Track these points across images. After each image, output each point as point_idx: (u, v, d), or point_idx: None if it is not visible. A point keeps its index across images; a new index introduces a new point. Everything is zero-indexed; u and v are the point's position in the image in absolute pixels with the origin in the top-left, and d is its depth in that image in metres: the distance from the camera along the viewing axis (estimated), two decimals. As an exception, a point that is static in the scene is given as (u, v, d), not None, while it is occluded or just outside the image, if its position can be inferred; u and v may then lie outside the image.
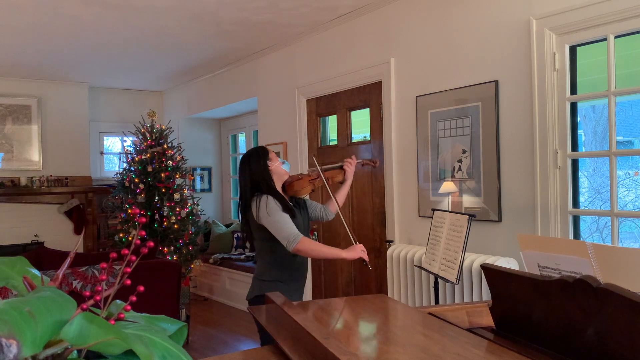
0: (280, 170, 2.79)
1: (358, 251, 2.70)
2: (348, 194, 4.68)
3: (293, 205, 2.77)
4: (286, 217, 2.62)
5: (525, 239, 1.71)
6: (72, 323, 0.66)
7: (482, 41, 3.42)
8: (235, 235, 7.15)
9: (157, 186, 6.00)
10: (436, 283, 3.12)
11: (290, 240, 2.57)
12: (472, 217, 2.76)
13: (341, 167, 3.01)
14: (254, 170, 2.74)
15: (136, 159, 6.11)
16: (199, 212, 6.52)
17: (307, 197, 3.01)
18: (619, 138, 4.28)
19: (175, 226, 6.03)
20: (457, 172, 3.58)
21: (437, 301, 3.14)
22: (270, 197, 2.65)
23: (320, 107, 4.99)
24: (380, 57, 4.22)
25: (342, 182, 3.04)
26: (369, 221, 4.44)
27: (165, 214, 5.97)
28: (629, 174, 4.42)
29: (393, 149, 4.12)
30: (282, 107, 5.47)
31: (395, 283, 3.82)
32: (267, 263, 2.76)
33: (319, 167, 2.91)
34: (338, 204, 2.97)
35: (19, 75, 6.76)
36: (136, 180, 6.02)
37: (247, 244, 6.28)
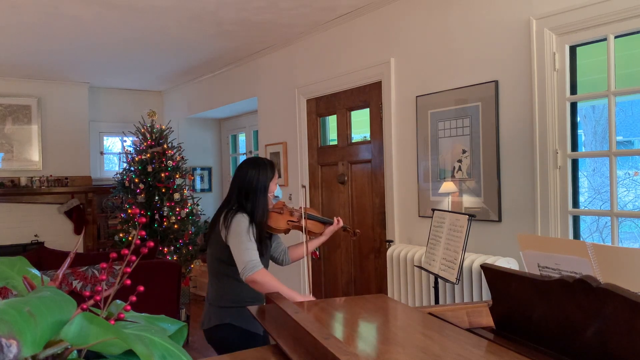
0: (270, 194, 2.62)
1: (335, 223, 2.68)
2: (348, 195, 4.70)
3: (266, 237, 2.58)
4: (252, 244, 2.41)
5: (525, 239, 1.71)
6: (72, 323, 0.66)
7: (482, 41, 3.42)
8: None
9: (157, 186, 6.00)
10: (436, 283, 3.12)
11: (247, 267, 2.34)
12: (472, 217, 2.76)
13: (325, 223, 2.85)
14: (258, 180, 2.55)
15: (136, 159, 6.11)
16: (199, 212, 6.52)
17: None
18: (619, 138, 4.28)
19: (175, 226, 6.03)
20: (457, 172, 3.58)
21: (437, 301, 3.14)
22: (246, 218, 2.46)
23: (320, 107, 4.99)
24: (380, 57, 4.22)
25: (315, 236, 2.84)
26: (369, 221, 4.44)
27: (165, 214, 5.97)
28: (629, 174, 4.41)
29: (393, 149, 4.12)
30: (282, 107, 5.47)
31: (395, 283, 3.82)
32: (223, 286, 2.54)
33: (304, 215, 2.72)
34: (306, 255, 2.75)
35: (19, 75, 6.76)
36: (136, 180, 6.02)
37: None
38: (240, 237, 2.41)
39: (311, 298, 2.42)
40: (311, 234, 2.80)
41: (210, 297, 2.62)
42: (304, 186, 3.02)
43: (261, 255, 2.50)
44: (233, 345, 2.46)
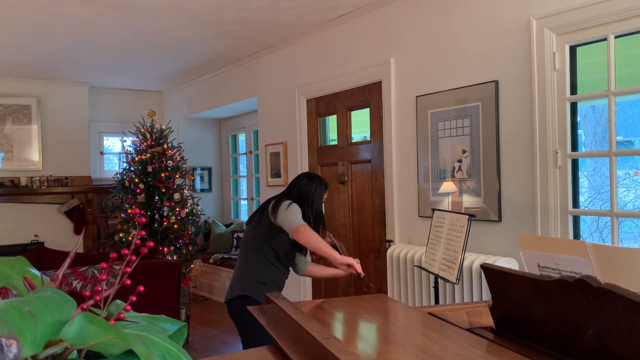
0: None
1: (352, 260, 2.64)
2: (348, 195, 4.70)
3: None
4: (300, 216, 2.67)
5: (525, 239, 1.71)
6: (72, 323, 0.66)
7: (482, 41, 3.42)
8: (235, 235, 7.15)
9: (157, 186, 6.00)
10: (436, 283, 3.12)
11: (295, 222, 2.61)
12: (472, 217, 2.76)
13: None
14: (315, 189, 2.85)
15: (136, 159, 6.10)
16: (199, 212, 6.52)
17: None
18: (619, 138, 4.28)
19: (175, 226, 6.03)
20: (457, 172, 3.58)
21: (437, 301, 3.14)
22: (297, 206, 2.72)
23: (320, 107, 4.99)
24: (380, 57, 4.22)
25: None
26: (369, 221, 4.44)
27: (165, 214, 5.97)
28: (629, 174, 4.41)
29: (393, 149, 4.12)
30: (282, 107, 5.47)
31: (395, 283, 3.82)
32: (253, 262, 2.79)
33: (337, 242, 2.96)
34: (323, 276, 3.07)
35: (19, 75, 6.76)
36: (136, 180, 6.01)
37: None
38: (294, 212, 2.68)
39: (351, 260, 2.63)
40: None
41: (238, 271, 2.84)
42: (332, 234, 3.19)
43: (300, 257, 2.89)
44: (247, 317, 2.57)
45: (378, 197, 4.33)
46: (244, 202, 7.98)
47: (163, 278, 4.41)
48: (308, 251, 2.96)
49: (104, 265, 0.83)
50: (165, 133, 6.28)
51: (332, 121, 4.97)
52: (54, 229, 7.16)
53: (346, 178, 4.67)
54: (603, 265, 1.43)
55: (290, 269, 2.97)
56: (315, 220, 2.84)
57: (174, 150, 6.26)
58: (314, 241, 2.61)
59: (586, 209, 3.81)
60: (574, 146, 3.03)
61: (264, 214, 2.80)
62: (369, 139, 4.45)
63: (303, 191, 2.84)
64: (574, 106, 3.03)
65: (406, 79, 4.01)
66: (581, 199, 3.30)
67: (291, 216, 2.65)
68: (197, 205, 6.41)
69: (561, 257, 1.53)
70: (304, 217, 2.74)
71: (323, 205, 2.96)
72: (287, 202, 2.73)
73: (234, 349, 4.68)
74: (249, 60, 6.02)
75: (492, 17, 3.36)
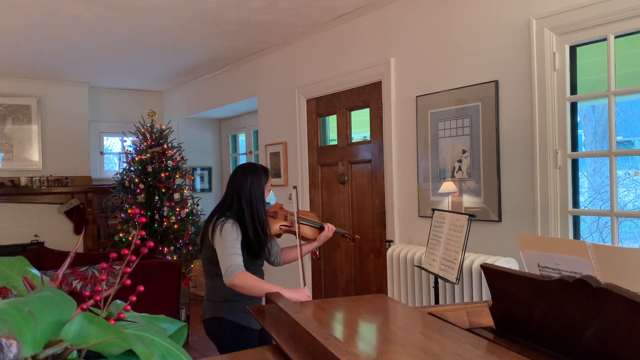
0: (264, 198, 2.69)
1: (303, 296, 2.43)
2: (348, 195, 4.70)
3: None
4: (236, 249, 2.47)
5: (525, 239, 1.71)
6: (72, 323, 0.66)
7: (482, 41, 3.42)
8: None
9: (157, 186, 6.00)
10: (436, 283, 3.12)
11: (228, 272, 2.40)
12: (472, 217, 2.76)
13: (320, 228, 2.89)
14: (254, 188, 2.62)
15: (136, 159, 6.11)
16: (199, 212, 6.52)
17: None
18: (619, 138, 4.28)
19: (175, 226, 6.03)
20: (457, 172, 3.58)
21: (437, 301, 3.14)
22: (236, 226, 2.52)
23: (320, 107, 4.99)
24: (380, 57, 4.22)
25: (309, 240, 2.89)
26: (369, 221, 4.44)
27: (165, 214, 5.97)
28: (629, 174, 4.41)
29: (393, 149, 4.12)
30: (282, 107, 5.47)
31: (395, 283, 3.82)
32: (215, 284, 2.60)
33: (297, 220, 2.78)
34: (300, 257, 2.78)
35: (19, 75, 6.76)
36: (136, 180, 6.02)
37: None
38: (226, 243, 2.48)
39: (304, 293, 2.47)
40: (304, 239, 2.87)
41: (206, 292, 2.72)
42: (295, 187, 3.04)
43: (262, 258, 2.67)
44: (225, 336, 2.61)
45: (378, 197, 4.33)
46: (244, 202, 7.96)
47: (163, 278, 4.41)
48: (275, 240, 2.84)
49: (104, 265, 0.83)
50: (165, 133, 6.28)
51: (332, 121, 4.97)
52: (54, 229, 7.16)
53: (346, 178, 4.67)
54: (603, 265, 1.43)
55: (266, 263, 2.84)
56: (255, 227, 2.59)
57: (174, 150, 6.26)
58: (255, 289, 2.39)
59: (586, 209, 3.81)
60: (574, 146, 3.03)
61: (206, 237, 2.61)
62: (369, 139, 4.45)
63: (237, 189, 2.62)
64: (574, 106, 3.03)
65: (406, 79, 4.01)
66: (581, 199, 3.30)
67: (223, 260, 2.43)
68: (197, 205, 6.42)
69: (561, 257, 1.53)
70: (245, 227, 2.54)
71: (272, 193, 2.76)
72: (219, 226, 2.52)
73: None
74: (249, 60, 6.02)
75: (492, 17, 3.36)
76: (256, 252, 2.63)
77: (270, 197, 2.77)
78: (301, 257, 2.79)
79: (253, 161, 7.36)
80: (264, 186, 2.67)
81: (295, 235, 2.79)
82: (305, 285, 2.69)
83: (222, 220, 2.55)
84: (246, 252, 2.57)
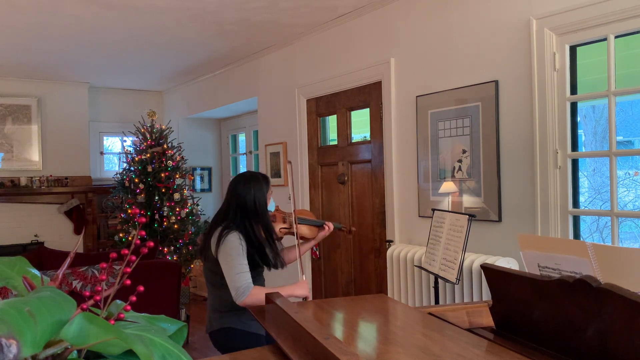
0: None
1: (304, 287, 2.52)
2: (348, 195, 4.70)
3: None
4: (243, 265, 2.42)
5: (525, 239, 1.71)
6: (72, 323, 0.66)
7: (482, 41, 3.42)
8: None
9: (157, 186, 6.00)
10: (436, 283, 3.12)
11: (239, 294, 2.37)
12: (472, 217, 2.76)
13: (319, 226, 2.90)
14: (257, 198, 2.57)
15: (136, 159, 6.11)
16: (199, 212, 6.52)
17: None
18: (619, 138, 4.28)
19: (175, 226, 6.03)
20: (457, 172, 3.58)
21: (437, 301, 3.14)
22: (237, 236, 2.47)
23: (320, 107, 4.99)
24: (380, 57, 4.22)
25: (308, 240, 2.91)
26: (369, 221, 4.44)
27: (165, 214, 5.97)
28: (629, 174, 4.41)
29: (393, 149, 4.12)
30: (282, 107, 5.47)
31: (395, 283, 3.82)
32: (220, 294, 2.55)
33: (295, 221, 2.78)
34: (299, 257, 2.77)
35: (19, 75, 6.76)
36: (136, 180, 6.01)
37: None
38: (232, 260, 2.42)
39: (304, 284, 2.54)
40: (304, 239, 2.88)
41: (210, 303, 2.67)
42: (290, 162, 3.05)
43: (270, 265, 2.61)
44: (235, 347, 2.50)
45: (378, 197, 4.33)
46: (244, 202, 7.96)
47: (163, 278, 4.41)
48: (279, 241, 2.81)
49: (104, 265, 0.83)
50: (165, 133, 6.28)
51: (332, 121, 4.97)
52: (54, 229, 7.16)
53: (346, 178, 4.67)
54: (603, 265, 1.43)
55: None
56: (267, 238, 2.58)
57: (174, 150, 6.26)
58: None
59: (586, 209, 3.81)
60: (574, 146, 3.03)
61: (209, 250, 2.55)
62: (369, 139, 4.45)
63: (240, 200, 2.56)
64: (574, 106, 3.03)
65: (406, 79, 4.01)
66: (581, 199, 3.29)
67: (232, 281, 2.38)
68: (197, 205, 6.42)
69: (561, 257, 1.53)
70: (253, 237, 2.51)
71: (272, 201, 2.74)
72: (223, 238, 2.47)
73: (234, 349, 4.66)
74: (249, 60, 6.02)
75: (492, 17, 3.36)
76: (267, 262, 2.59)
77: (271, 205, 2.75)
78: (300, 257, 2.79)
79: (253, 161, 7.36)
80: (267, 192, 2.64)
81: (295, 236, 2.80)
82: (303, 275, 2.70)
83: (226, 232, 2.49)
84: (252, 265, 2.53)
